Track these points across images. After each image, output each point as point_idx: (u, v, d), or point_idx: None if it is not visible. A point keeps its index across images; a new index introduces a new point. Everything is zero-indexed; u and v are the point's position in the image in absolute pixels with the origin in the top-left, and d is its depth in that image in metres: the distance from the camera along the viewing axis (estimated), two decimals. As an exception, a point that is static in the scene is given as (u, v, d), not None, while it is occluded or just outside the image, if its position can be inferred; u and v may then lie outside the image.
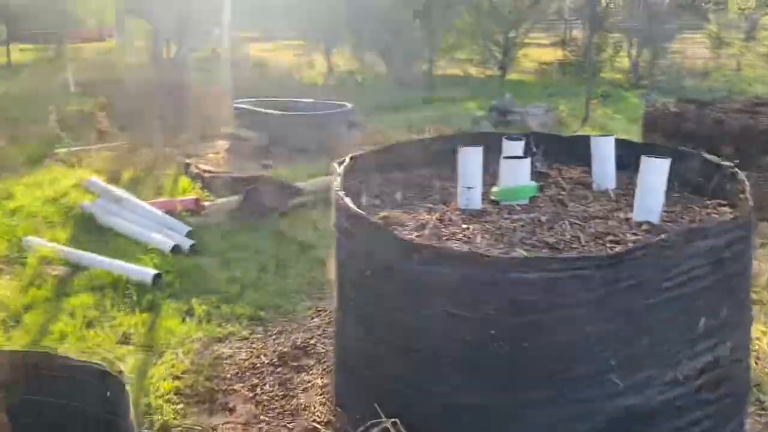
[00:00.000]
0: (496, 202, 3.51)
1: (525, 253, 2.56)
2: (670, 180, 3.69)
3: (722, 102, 7.48)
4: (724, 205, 3.21)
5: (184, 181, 6.53)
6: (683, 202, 3.45)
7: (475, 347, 2.57)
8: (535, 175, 4.01)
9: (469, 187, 3.39)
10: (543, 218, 3.20)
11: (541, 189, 3.59)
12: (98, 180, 6.11)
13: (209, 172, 6.54)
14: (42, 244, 5.23)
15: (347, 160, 3.65)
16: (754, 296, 4.28)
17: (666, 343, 2.53)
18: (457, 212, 3.34)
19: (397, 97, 13.81)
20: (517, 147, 3.77)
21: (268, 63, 18.75)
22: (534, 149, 4.30)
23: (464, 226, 3.14)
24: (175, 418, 3.46)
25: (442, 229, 3.09)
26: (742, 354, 2.84)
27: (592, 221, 3.16)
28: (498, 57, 17.23)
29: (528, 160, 3.52)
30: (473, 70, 17.04)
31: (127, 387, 1.46)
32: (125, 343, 4.17)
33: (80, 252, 5.09)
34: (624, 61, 17.11)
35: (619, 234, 2.93)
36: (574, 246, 2.85)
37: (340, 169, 3.44)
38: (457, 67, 18.10)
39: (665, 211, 3.29)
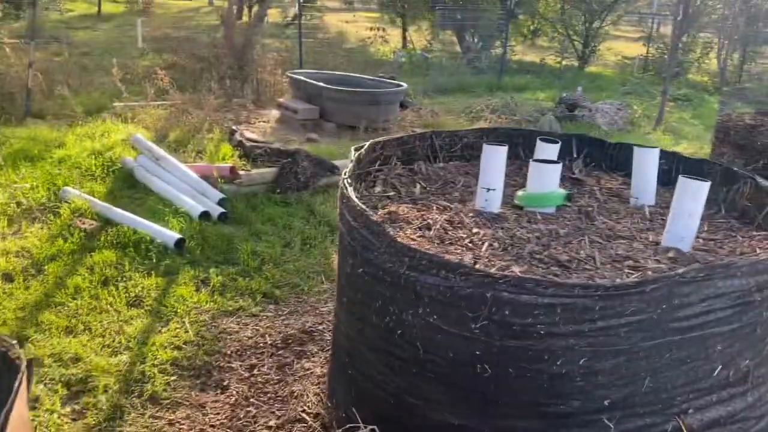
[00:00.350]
0: (519, 208, 3.27)
1: (519, 272, 2.32)
2: (716, 203, 3.35)
3: (809, 119, 6.84)
4: (773, 240, 2.87)
5: (225, 148, 6.48)
6: (726, 229, 3.11)
7: (458, 365, 2.37)
8: (570, 182, 3.73)
9: (489, 189, 3.16)
10: (562, 231, 2.94)
11: (570, 198, 3.32)
12: (143, 137, 6.13)
13: (252, 141, 6.47)
14: (78, 195, 5.28)
15: (367, 146, 3.47)
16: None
17: (671, 388, 2.27)
18: (472, 214, 3.11)
19: (467, 79, 13.45)
20: (551, 150, 3.49)
21: (345, 34, 18.63)
22: (575, 154, 4.01)
23: (475, 230, 2.92)
24: (165, 390, 3.41)
25: (449, 232, 2.87)
26: (766, 411, 2.53)
27: (616, 241, 2.88)
28: (578, 47, 16.52)
29: (558, 166, 3.24)
30: (550, 59, 16.41)
31: (22, 373, 1.34)
32: (136, 306, 4.16)
33: (112, 207, 5.11)
34: (713, 64, 16.11)
35: (640, 259, 2.65)
36: (587, 267, 2.59)
37: (354, 155, 3.26)
38: (534, 54, 17.49)
39: (704, 238, 2.98)
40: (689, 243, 2.74)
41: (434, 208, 3.19)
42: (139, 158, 6.01)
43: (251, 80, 8.98)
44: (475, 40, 15.57)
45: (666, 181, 3.76)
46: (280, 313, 4.27)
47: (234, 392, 3.50)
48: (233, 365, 3.71)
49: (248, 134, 6.85)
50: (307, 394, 3.53)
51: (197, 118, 7.27)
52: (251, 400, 3.46)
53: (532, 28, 18.26)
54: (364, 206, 2.73)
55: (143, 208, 5.35)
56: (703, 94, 13.73)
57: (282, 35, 16.27)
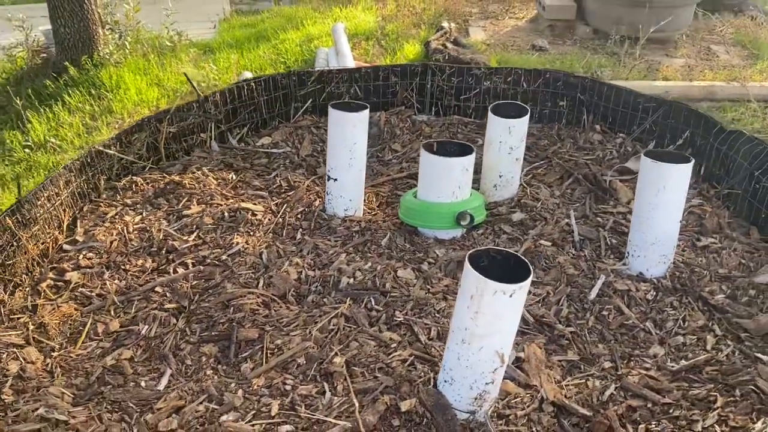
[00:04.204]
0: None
1: None
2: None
3: None
4: None
5: (413, 48, 5.60)
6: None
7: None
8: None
9: (330, 177, 1.96)
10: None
11: (463, 220, 1.88)
12: (341, 27, 5.69)
13: (454, 44, 5.41)
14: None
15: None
16: None
17: None
18: (296, 216, 2.00)
19: None
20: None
21: None
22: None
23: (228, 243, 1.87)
24: None
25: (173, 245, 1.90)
26: None
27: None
28: None
29: (463, 160, 1.81)
30: None
31: None
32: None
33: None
34: None
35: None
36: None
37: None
38: None
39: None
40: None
41: (277, 183, 2.17)
42: (330, 50, 5.63)
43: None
44: None
45: None
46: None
47: None
48: None
49: (476, 33, 5.77)
50: None
51: (436, 7, 6.40)
52: None
53: None
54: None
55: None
56: None
57: None
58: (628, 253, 1.80)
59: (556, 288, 1.71)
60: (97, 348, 1.57)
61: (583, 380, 1.46)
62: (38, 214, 1.87)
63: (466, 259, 1.24)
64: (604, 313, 1.64)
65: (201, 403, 1.38)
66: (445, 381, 1.32)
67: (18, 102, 3.70)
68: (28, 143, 3.56)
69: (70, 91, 4.05)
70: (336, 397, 1.36)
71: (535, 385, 1.42)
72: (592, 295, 1.68)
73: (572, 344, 1.56)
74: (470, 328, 1.23)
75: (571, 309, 1.65)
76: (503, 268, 1.27)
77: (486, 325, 1.22)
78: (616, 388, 1.43)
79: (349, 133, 1.92)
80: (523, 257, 1.26)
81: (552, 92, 2.58)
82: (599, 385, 1.44)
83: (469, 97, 2.71)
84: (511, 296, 1.18)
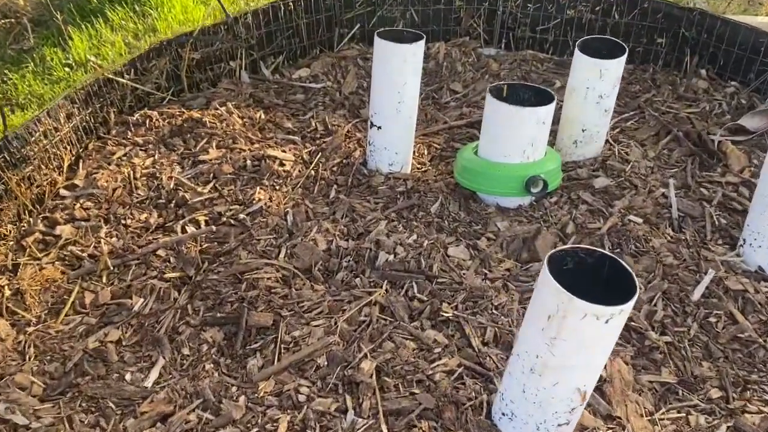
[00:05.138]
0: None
1: None
2: None
3: None
4: None
5: None
6: None
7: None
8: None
9: (374, 124, 1.63)
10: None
11: (534, 187, 1.53)
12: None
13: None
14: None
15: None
16: None
17: None
18: (328, 171, 1.68)
19: None
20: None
21: None
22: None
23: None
24: None
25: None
26: None
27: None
28: None
29: (540, 110, 1.44)
30: None
31: None
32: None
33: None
34: None
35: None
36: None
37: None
38: None
39: None
40: None
41: (312, 126, 1.84)
42: None
43: None
44: None
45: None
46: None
47: None
48: None
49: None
50: None
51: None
52: None
53: None
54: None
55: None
56: None
57: None
58: (743, 240, 1.42)
59: (648, 281, 1.35)
60: (81, 324, 1.31)
61: (683, 414, 1.13)
62: (32, 153, 1.61)
63: (545, 262, 0.90)
64: (712, 320, 1.29)
65: (193, 410, 1.12)
66: (504, 414, 1.01)
67: (59, 17, 3.43)
68: (69, 62, 3.31)
69: (113, 7, 3.75)
70: (360, 419, 1.07)
71: (619, 417, 1.10)
72: (696, 294, 1.32)
73: (668, 359, 1.22)
74: (543, 357, 0.91)
75: (668, 311, 1.31)
76: (595, 274, 0.93)
77: (566, 356, 0.89)
78: (728, 428, 1.10)
79: (397, 70, 1.56)
80: (624, 263, 0.91)
81: (649, 26, 2.13)
82: (704, 422, 1.11)
83: (547, 29, 2.28)
84: (606, 322, 0.85)
